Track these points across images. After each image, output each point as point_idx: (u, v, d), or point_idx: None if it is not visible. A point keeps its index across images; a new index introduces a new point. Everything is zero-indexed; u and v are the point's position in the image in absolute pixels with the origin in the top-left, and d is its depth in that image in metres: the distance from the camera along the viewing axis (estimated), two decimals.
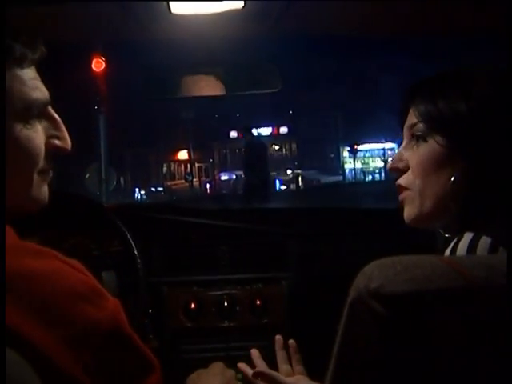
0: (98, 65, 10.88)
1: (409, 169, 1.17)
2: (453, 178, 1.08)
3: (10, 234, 0.88)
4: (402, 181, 1.18)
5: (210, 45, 1.98)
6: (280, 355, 1.71)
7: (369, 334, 0.84)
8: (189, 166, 32.71)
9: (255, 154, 11.28)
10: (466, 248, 1.03)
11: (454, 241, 1.05)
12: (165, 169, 33.46)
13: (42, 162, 0.97)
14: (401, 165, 1.19)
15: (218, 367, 1.74)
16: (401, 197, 1.19)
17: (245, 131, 12.98)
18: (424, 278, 0.83)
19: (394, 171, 1.20)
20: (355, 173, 34.36)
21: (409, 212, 1.17)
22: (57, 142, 1.01)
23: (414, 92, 1.17)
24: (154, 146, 31.79)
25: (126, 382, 0.89)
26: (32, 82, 0.95)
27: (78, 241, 2.10)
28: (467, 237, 1.04)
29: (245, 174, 12.46)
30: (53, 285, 0.80)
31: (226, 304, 2.22)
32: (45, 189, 1.01)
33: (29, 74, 0.95)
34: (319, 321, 2.11)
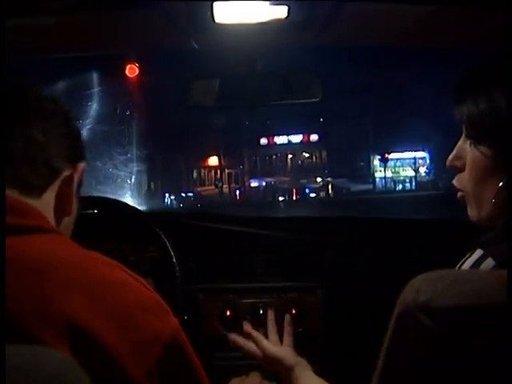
0: (132, 71, 11.00)
1: (465, 168, 1.14)
2: (501, 184, 1.06)
3: (75, 246, 0.96)
4: (455, 181, 1.17)
5: (250, 53, 1.99)
6: (270, 325, 1.82)
7: (416, 347, 0.83)
8: (219, 172, 32.86)
9: None
10: (470, 265, 1.02)
11: (467, 256, 1.05)
12: (195, 174, 33.59)
13: None
14: (459, 163, 1.16)
15: (254, 379, 1.74)
16: (458, 196, 1.17)
17: None
18: (473, 292, 0.82)
19: (452, 169, 1.17)
20: (386, 181, 34.16)
21: (471, 213, 1.15)
22: None
23: (460, 88, 1.13)
24: (184, 151, 31.95)
25: None
26: None
27: (115, 246, 2.12)
28: (476, 255, 1.03)
29: None
30: (125, 294, 0.87)
31: (261, 312, 2.21)
32: None
33: None
34: (354, 330, 2.11)
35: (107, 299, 0.83)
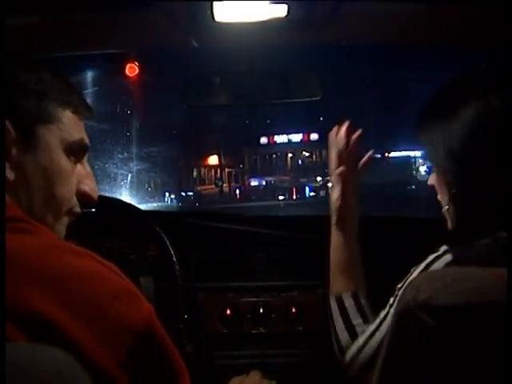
0: (132, 70, 10.98)
1: None
2: (447, 207, 1.20)
3: (50, 234, 0.94)
4: (439, 196, 1.25)
5: (249, 52, 1.99)
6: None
7: (417, 345, 0.84)
8: (219, 171, 32.79)
9: None
10: (431, 258, 1.12)
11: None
12: (195, 173, 33.50)
13: (74, 203, 1.06)
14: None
15: (254, 378, 1.74)
16: None
17: None
18: (473, 290, 0.83)
19: (432, 188, 1.27)
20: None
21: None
22: (86, 188, 1.08)
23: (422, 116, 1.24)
24: (184, 150, 31.87)
25: (159, 383, 0.92)
26: (80, 126, 1.08)
27: (115, 244, 2.12)
28: (441, 250, 1.07)
29: None
30: (92, 284, 0.84)
31: (261, 311, 2.22)
32: (64, 230, 1.07)
33: (76, 119, 1.07)
34: None
35: (73, 290, 0.81)
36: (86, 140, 1.08)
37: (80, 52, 1.90)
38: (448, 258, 1.06)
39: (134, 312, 0.85)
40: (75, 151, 1.05)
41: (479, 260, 0.93)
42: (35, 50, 1.74)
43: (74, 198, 1.06)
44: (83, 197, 1.08)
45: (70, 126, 1.03)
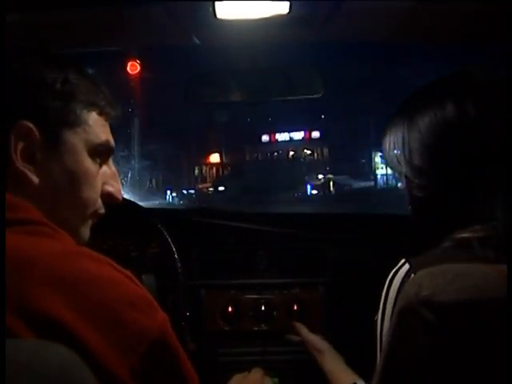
0: (133, 68, 11.00)
1: None
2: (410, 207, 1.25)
3: (68, 239, 0.93)
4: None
5: (251, 49, 1.99)
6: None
7: (418, 342, 0.84)
8: (220, 169, 32.77)
9: None
10: (388, 279, 1.09)
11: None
12: (196, 171, 33.48)
13: (98, 204, 1.06)
14: None
15: (256, 375, 1.75)
16: None
17: None
18: (476, 287, 0.82)
19: None
20: (387, 178, 34.07)
21: None
22: (111, 189, 1.08)
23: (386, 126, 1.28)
24: (186, 148, 31.85)
25: None
26: (106, 128, 1.06)
27: (117, 242, 2.12)
28: (401, 261, 1.09)
29: None
30: (108, 290, 0.83)
31: (263, 308, 2.22)
32: (88, 232, 1.07)
33: (102, 121, 1.06)
34: (356, 326, 2.11)
35: (87, 294, 0.80)
36: (112, 141, 1.08)
37: (81, 49, 1.89)
38: (406, 267, 1.06)
39: (148, 320, 0.84)
40: (101, 153, 1.04)
41: (439, 262, 0.93)
42: (36, 47, 1.74)
43: (99, 200, 1.05)
44: (108, 197, 1.08)
45: (95, 127, 1.02)
